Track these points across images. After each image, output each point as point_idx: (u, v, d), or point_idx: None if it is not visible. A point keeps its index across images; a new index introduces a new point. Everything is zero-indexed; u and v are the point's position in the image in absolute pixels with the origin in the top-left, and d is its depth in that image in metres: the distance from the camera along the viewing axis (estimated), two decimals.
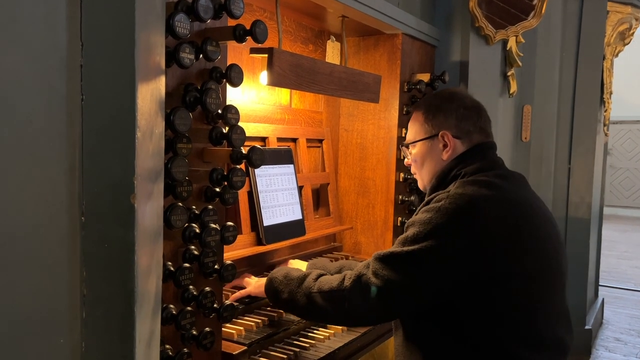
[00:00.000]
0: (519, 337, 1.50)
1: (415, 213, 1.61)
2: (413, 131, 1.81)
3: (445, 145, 1.72)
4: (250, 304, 1.85)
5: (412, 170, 1.86)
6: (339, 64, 2.35)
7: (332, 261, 2.20)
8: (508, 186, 1.60)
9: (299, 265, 2.10)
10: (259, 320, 1.76)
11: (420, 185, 1.85)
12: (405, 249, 1.50)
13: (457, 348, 1.52)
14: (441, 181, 1.70)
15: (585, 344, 4.45)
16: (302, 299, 1.62)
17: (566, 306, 1.66)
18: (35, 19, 1.00)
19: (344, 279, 1.58)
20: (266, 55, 1.73)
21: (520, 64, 3.19)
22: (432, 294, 1.50)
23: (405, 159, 1.90)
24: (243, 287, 1.87)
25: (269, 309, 1.88)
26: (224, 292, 1.69)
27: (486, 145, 1.72)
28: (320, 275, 1.65)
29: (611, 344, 4.82)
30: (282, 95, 2.32)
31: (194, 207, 1.31)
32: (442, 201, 1.52)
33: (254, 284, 1.83)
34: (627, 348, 4.75)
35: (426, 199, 1.64)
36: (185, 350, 1.29)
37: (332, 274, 1.66)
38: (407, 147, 1.84)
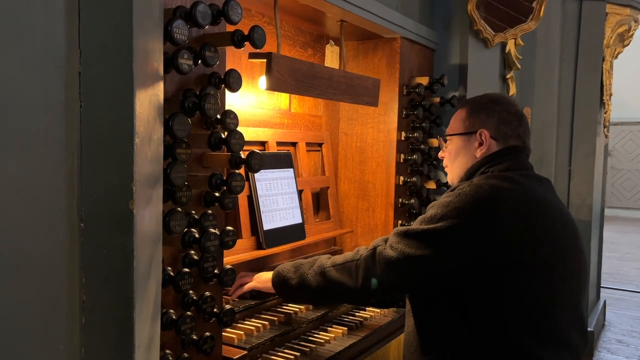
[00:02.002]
0: (524, 329, 1.51)
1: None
2: (453, 125, 1.86)
3: (481, 144, 1.75)
4: (251, 308, 1.85)
5: (444, 163, 1.90)
6: (338, 68, 2.36)
7: None
8: (530, 184, 1.64)
9: None
10: (260, 325, 1.76)
11: (449, 179, 1.89)
12: (422, 227, 1.56)
13: (464, 336, 1.54)
14: (469, 177, 1.74)
15: (587, 346, 4.43)
16: (315, 279, 1.68)
17: (581, 310, 1.67)
18: (34, 27, 1.00)
19: (359, 250, 1.67)
20: (265, 60, 1.74)
21: (519, 66, 3.20)
22: (441, 272, 1.55)
23: (440, 151, 1.94)
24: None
25: (270, 313, 1.88)
26: (224, 298, 1.69)
27: (519, 149, 1.75)
28: (332, 256, 1.73)
29: (613, 346, 4.82)
30: (282, 99, 2.33)
31: (193, 212, 1.31)
32: (464, 188, 1.58)
33: (258, 279, 1.84)
34: (629, 350, 4.74)
35: None
36: (186, 355, 1.30)
37: None
38: (445, 139, 1.88)
